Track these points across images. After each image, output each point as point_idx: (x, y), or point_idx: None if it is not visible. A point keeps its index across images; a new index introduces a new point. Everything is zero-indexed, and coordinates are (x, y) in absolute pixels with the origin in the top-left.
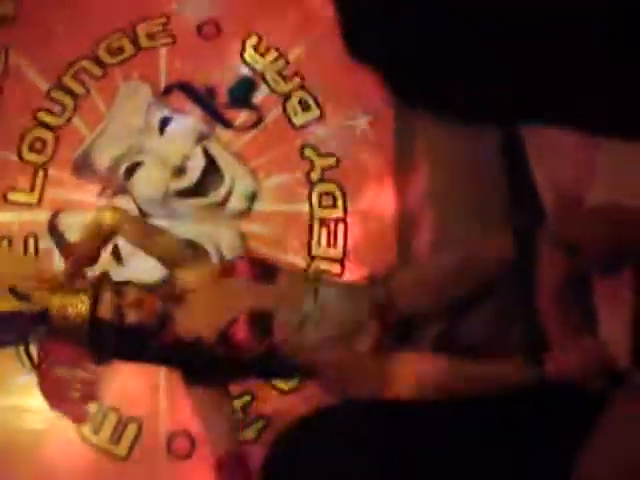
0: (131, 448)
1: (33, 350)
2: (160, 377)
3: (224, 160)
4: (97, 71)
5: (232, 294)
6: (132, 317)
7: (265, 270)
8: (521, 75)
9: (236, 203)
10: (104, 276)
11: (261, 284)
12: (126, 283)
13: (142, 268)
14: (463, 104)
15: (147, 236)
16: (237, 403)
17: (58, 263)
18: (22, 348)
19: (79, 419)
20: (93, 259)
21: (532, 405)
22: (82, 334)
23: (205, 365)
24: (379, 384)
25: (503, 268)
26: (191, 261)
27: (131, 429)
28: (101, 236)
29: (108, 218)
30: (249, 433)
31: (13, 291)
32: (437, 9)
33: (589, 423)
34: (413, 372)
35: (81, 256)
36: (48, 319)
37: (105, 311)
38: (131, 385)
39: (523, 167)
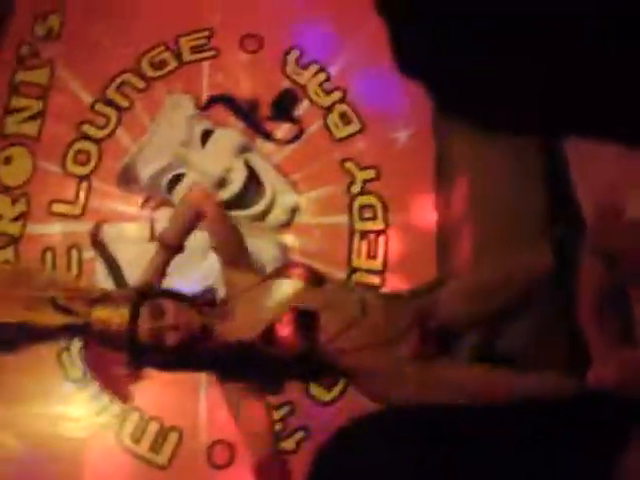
0: (172, 457)
1: None
2: (201, 387)
3: (265, 173)
4: (140, 84)
5: (280, 292)
6: (171, 339)
7: (315, 276)
8: (564, 86)
9: (277, 215)
10: (143, 290)
11: (312, 287)
12: (166, 297)
13: (184, 281)
14: (507, 117)
15: (224, 224)
16: (276, 414)
17: (100, 273)
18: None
19: (125, 398)
20: (180, 247)
21: (572, 415)
22: (121, 351)
23: (244, 362)
24: (418, 391)
25: (542, 281)
26: (246, 265)
27: (172, 438)
28: (188, 217)
29: (196, 195)
30: (289, 444)
31: (55, 304)
32: (483, 23)
33: (629, 433)
34: (452, 380)
35: (170, 244)
36: (89, 332)
37: (144, 334)
38: (172, 395)
39: (564, 178)
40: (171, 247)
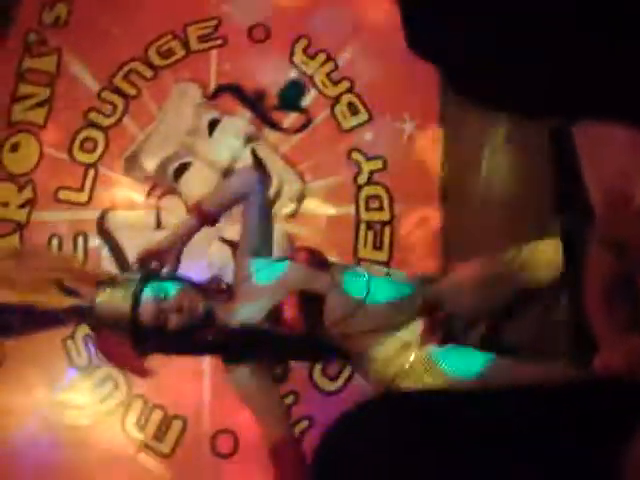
0: (175, 445)
1: None
2: (205, 376)
3: (272, 162)
4: (148, 73)
5: (287, 274)
6: (174, 322)
7: (321, 260)
8: (577, 66)
9: (283, 205)
10: (148, 273)
11: (316, 270)
12: (170, 281)
13: (189, 269)
14: (518, 97)
15: (262, 214)
16: None
17: (106, 261)
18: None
19: (143, 374)
20: (214, 219)
21: (576, 404)
22: (125, 332)
23: (249, 343)
24: (422, 379)
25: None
26: (265, 255)
27: (176, 427)
28: (234, 193)
29: (248, 176)
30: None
31: (61, 286)
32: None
33: (635, 422)
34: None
35: (207, 213)
36: (94, 314)
37: (147, 316)
38: (176, 384)
39: (571, 164)
40: (206, 216)
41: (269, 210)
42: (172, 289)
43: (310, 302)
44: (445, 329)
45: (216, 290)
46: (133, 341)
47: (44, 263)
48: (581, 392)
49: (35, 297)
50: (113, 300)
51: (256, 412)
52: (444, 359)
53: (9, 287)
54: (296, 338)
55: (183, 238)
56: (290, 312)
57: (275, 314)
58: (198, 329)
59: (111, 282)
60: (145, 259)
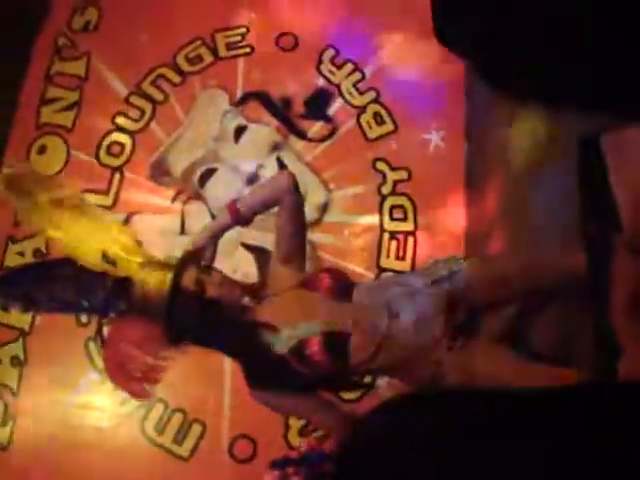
0: (194, 449)
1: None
2: (226, 381)
3: (297, 170)
4: (176, 78)
5: (310, 308)
6: (212, 291)
7: (344, 286)
8: (606, 64)
9: (307, 213)
10: (192, 255)
11: (339, 301)
12: (213, 268)
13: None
14: (546, 92)
15: (296, 220)
16: None
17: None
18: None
19: (139, 395)
20: (247, 220)
21: (601, 405)
22: (160, 306)
23: (273, 370)
24: (456, 381)
25: (573, 280)
26: (297, 267)
27: (195, 431)
28: (270, 196)
29: (285, 180)
30: (310, 441)
31: (104, 255)
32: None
33: None
34: (487, 372)
35: (241, 213)
36: (129, 288)
37: (188, 282)
38: (197, 388)
39: (600, 171)
40: (241, 216)
41: (302, 216)
42: (215, 270)
43: (335, 341)
44: (465, 325)
45: (253, 290)
46: (167, 315)
47: (106, 232)
48: (600, 398)
49: (78, 252)
50: (155, 272)
51: (301, 418)
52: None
53: (67, 229)
54: (318, 376)
55: (216, 235)
56: (315, 353)
57: (298, 350)
58: (234, 313)
59: (154, 262)
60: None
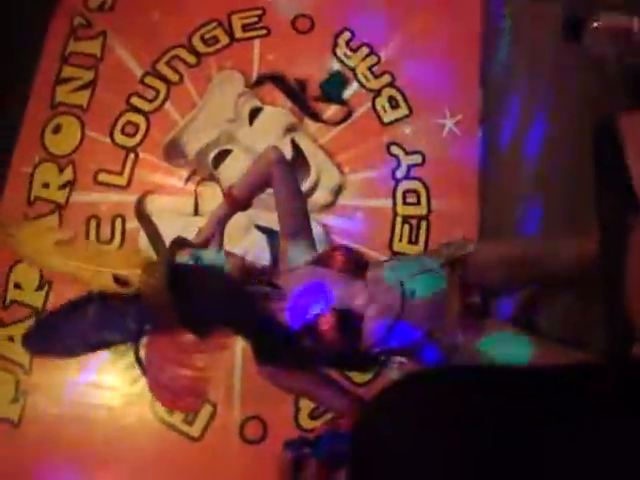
0: (204, 430)
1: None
2: (236, 362)
3: (311, 153)
4: (191, 59)
5: (324, 286)
6: (209, 258)
7: (358, 264)
8: None
9: (321, 196)
10: (178, 241)
11: (353, 279)
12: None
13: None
14: None
15: (291, 192)
16: None
17: (143, 245)
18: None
19: (192, 410)
20: (246, 204)
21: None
22: (167, 303)
23: (283, 345)
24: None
25: (586, 265)
26: (304, 242)
27: (205, 411)
28: (261, 174)
29: (271, 154)
30: (318, 423)
31: (116, 278)
32: None
33: None
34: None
35: (237, 198)
36: (142, 297)
37: (182, 257)
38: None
39: (616, 154)
40: (237, 201)
41: (297, 186)
42: (209, 251)
43: (348, 319)
44: (480, 311)
45: (259, 270)
46: (178, 313)
47: (112, 258)
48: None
49: (90, 279)
50: (151, 274)
51: (310, 399)
52: (492, 348)
53: (74, 261)
54: (331, 353)
55: (218, 225)
56: (327, 329)
57: (311, 327)
58: (239, 292)
59: (149, 264)
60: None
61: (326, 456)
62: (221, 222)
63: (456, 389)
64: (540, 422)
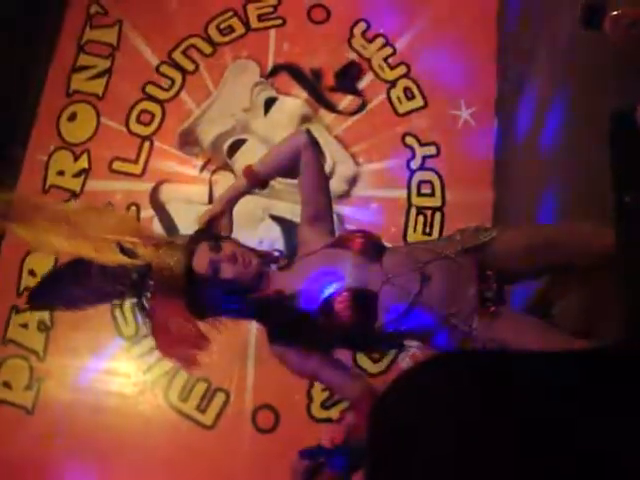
0: (217, 418)
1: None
2: (250, 351)
3: (326, 143)
4: (207, 49)
5: (341, 267)
6: (227, 272)
7: (376, 248)
8: None
9: (336, 186)
10: (203, 231)
11: (370, 262)
12: (227, 239)
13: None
14: None
15: (316, 176)
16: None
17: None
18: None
19: (191, 363)
20: (264, 183)
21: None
22: (179, 287)
23: (297, 325)
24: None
25: (602, 253)
26: (325, 228)
27: (218, 400)
28: (285, 155)
29: (299, 138)
30: (332, 413)
31: (121, 247)
32: None
33: None
34: (508, 335)
35: (257, 174)
36: (150, 274)
37: (200, 265)
38: (221, 357)
39: (634, 142)
40: (258, 177)
41: (323, 171)
42: (227, 244)
43: (363, 298)
44: (496, 298)
45: (272, 258)
46: (186, 295)
47: (107, 225)
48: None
49: (97, 256)
50: (169, 255)
51: (318, 380)
52: (506, 335)
53: (76, 244)
54: (345, 331)
55: (233, 199)
56: (342, 308)
57: (326, 305)
58: (251, 287)
59: (168, 244)
60: (204, 227)
61: (341, 468)
62: (232, 200)
63: (477, 373)
64: (562, 407)
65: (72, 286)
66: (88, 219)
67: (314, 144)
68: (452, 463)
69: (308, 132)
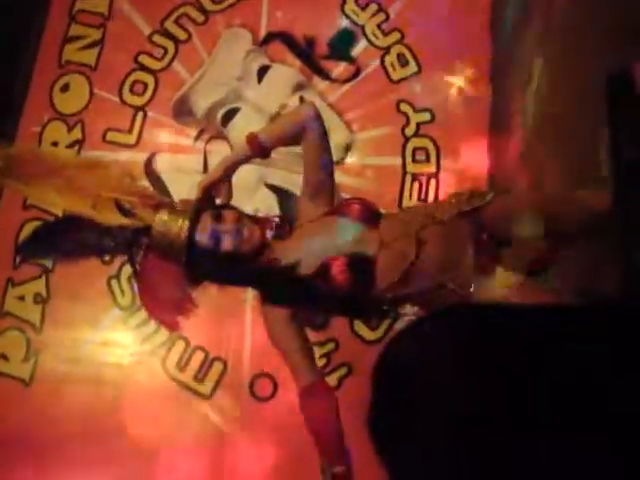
0: (215, 387)
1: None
2: (247, 320)
3: (320, 110)
4: (199, 17)
5: (339, 233)
6: (227, 244)
7: (373, 214)
8: None
9: None
10: (206, 199)
11: (367, 227)
12: (229, 207)
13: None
14: None
15: (321, 151)
16: (321, 350)
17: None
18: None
19: (171, 326)
20: (266, 152)
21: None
22: (178, 255)
23: (293, 290)
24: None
25: (597, 216)
26: (325, 202)
27: (216, 369)
28: (291, 127)
29: (307, 111)
30: (331, 380)
31: (119, 206)
32: None
33: None
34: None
35: (260, 143)
36: (149, 236)
37: (202, 236)
38: (218, 326)
39: (632, 103)
40: (262, 147)
41: (328, 145)
42: (229, 214)
43: (360, 264)
44: (494, 254)
45: (273, 225)
46: (185, 264)
47: (106, 181)
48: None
49: (93, 214)
50: (170, 221)
51: (286, 355)
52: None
53: (73, 199)
54: (342, 297)
55: (234, 165)
56: (339, 272)
57: (323, 270)
58: (250, 258)
59: (169, 207)
60: (203, 194)
61: None
62: (232, 167)
63: (488, 324)
64: (576, 359)
65: (63, 238)
66: (86, 174)
67: (319, 117)
68: (455, 407)
69: (313, 105)
